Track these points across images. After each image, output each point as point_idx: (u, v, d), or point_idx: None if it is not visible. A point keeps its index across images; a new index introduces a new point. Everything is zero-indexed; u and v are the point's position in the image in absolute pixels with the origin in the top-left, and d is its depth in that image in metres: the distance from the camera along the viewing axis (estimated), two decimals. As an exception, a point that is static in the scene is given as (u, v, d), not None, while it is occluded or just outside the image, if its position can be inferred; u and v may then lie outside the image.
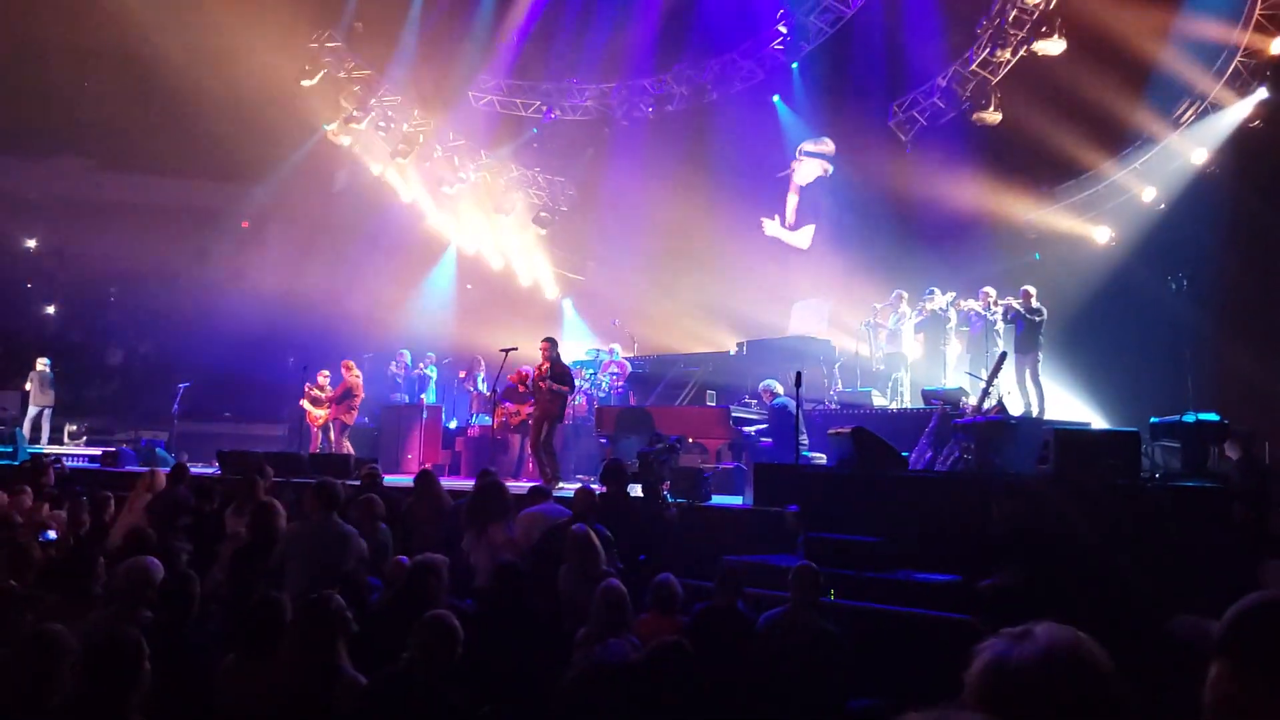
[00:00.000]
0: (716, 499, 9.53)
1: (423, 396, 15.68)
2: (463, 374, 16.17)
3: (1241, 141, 13.14)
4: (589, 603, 5.20)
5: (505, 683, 4.32)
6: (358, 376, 14.10)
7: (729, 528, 8.43)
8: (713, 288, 17.53)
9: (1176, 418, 9.92)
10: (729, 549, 7.73)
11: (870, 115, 16.62)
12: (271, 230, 20.80)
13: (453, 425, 15.51)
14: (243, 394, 18.23)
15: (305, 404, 14.14)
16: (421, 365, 16.25)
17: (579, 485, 7.50)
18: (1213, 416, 9.86)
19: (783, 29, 16.74)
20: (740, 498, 9.52)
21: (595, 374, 14.73)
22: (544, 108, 18.49)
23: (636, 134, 18.46)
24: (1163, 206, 13.98)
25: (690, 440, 11.45)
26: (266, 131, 17.94)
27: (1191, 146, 13.62)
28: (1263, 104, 12.97)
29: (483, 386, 15.49)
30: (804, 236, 17.29)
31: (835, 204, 16.91)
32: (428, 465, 12.03)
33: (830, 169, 17.05)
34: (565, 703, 4.27)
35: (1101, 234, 14.66)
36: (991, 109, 15.04)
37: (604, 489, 7.60)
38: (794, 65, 17.15)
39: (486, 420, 14.22)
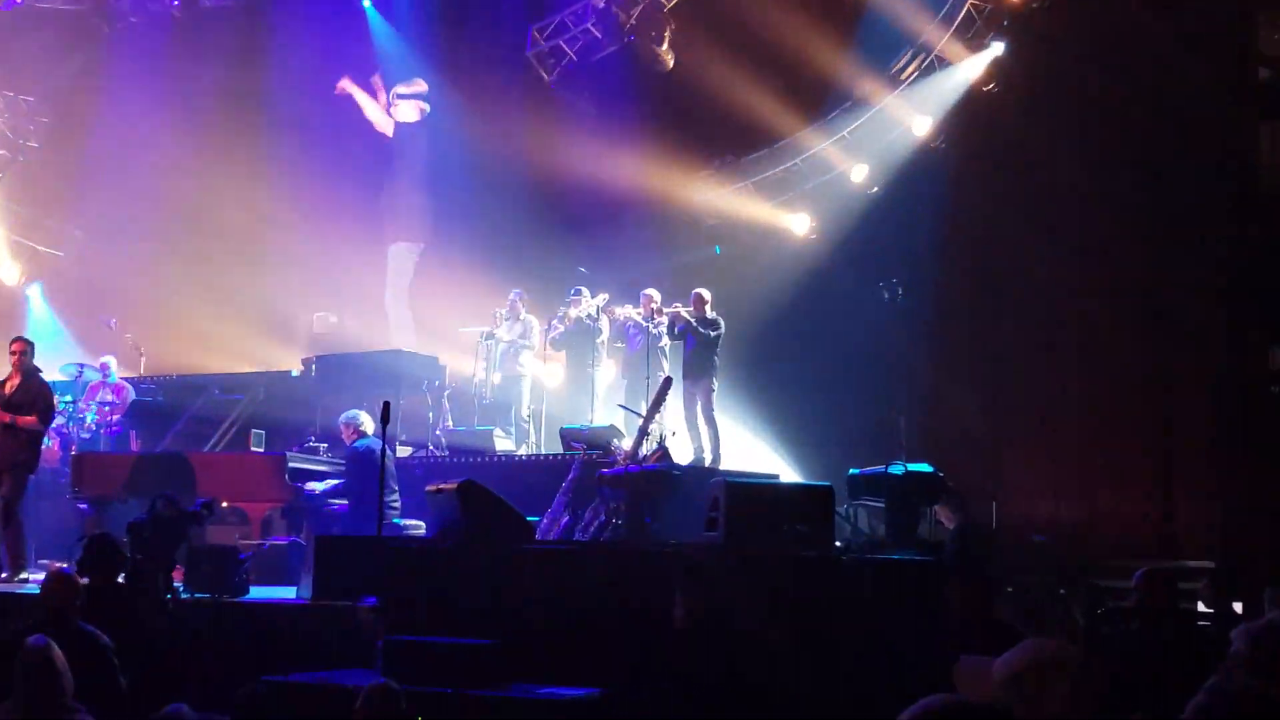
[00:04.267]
0: (259, 591, 9.37)
1: None
2: None
3: (971, 110, 14.61)
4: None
5: None
6: None
7: (276, 633, 8.34)
8: (269, 274, 17.09)
9: (881, 468, 10.86)
10: (273, 665, 7.55)
11: (502, 42, 16.99)
12: None
13: None
14: None
15: None
16: None
17: (53, 570, 7.03)
18: (924, 468, 10.92)
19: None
20: (295, 588, 9.35)
21: (77, 402, 13.83)
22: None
23: (152, 40, 17.68)
24: (875, 190, 15.27)
25: (224, 504, 11.10)
26: None
27: (912, 113, 14.92)
28: (997, 62, 14.44)
29: None
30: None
31: (446, 165, 17.07)
32: None
33: (428, 108, 17.22)
34: None
35: (799, 223, 15.80)
36: (664, 47, 15.80)
37: (87, 580, 7.20)
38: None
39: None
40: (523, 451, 13.27)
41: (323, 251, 16.75)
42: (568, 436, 11.97)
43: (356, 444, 11.28)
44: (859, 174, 15.36)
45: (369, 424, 11.32)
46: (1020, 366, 14.23)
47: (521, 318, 13.95)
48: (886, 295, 13.35)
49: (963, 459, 12.92)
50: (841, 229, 15.26)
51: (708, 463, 12.26)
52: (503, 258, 15.52)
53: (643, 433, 10.63)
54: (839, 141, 15.40)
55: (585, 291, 13.70)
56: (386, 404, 9.24)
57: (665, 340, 13.10)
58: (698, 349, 12.63)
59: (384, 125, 17.40)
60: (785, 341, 14.61)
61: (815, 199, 15.75)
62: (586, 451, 11.02)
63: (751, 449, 13.94)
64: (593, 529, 9.94)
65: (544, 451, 13.16)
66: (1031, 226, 14.09)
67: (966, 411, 13.96)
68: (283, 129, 17.11)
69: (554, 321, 13.76)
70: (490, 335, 14.01)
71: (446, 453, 13.00)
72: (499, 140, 16.59)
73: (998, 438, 13.99)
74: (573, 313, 13.62)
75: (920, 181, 14.64)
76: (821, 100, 15.56)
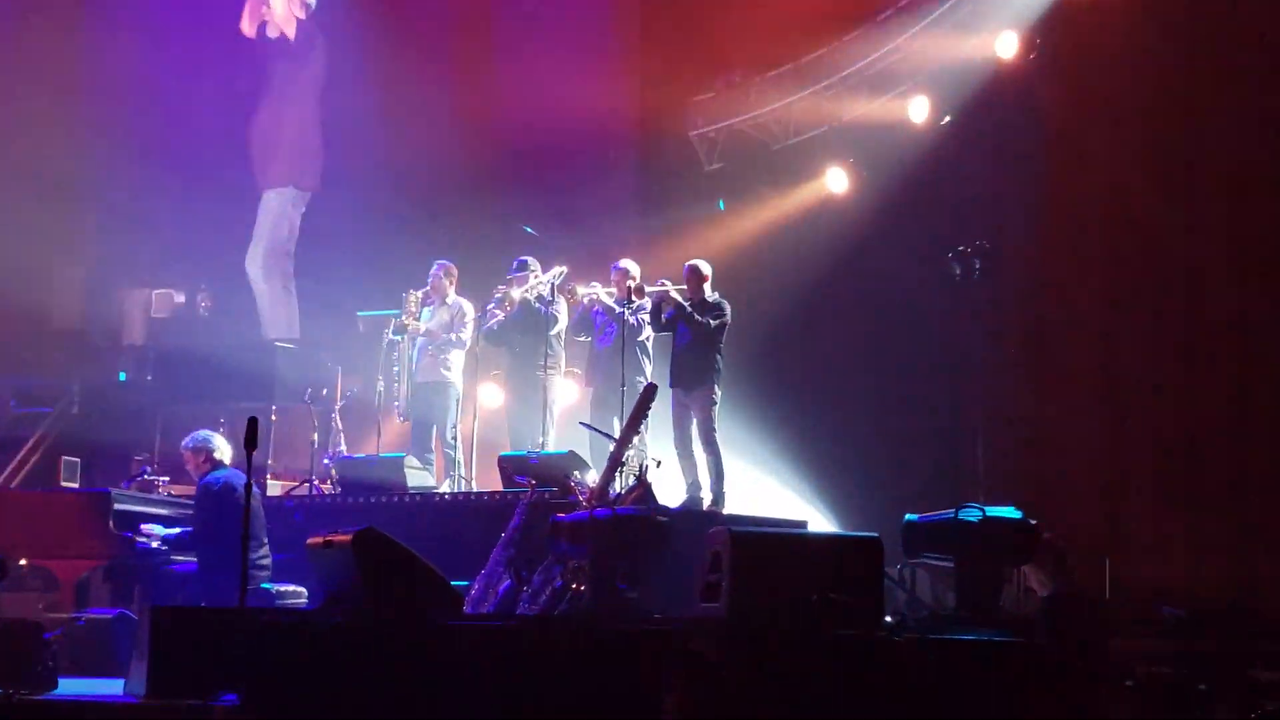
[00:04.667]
0: (70, 684, 9.31)
1: None
2: None
3: (1070, 17, 14.48)
4: None
5: None
6: None
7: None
8: (89, 235, 17.09)
9: (950, 513, 10.80)
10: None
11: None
12: None
13: None
14: None
15: None
16: None
17: None
18: (1010, 513, 10.85)
19: None
20: (124, 681, 9.27)
21: None
22: None
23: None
24: (944, 125, 15.17)
25: (23, 563, 11.15)
26: None
27: (990, 25, 14.81)
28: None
29: None
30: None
31: (342, 84, 17.04)
32: None
33: (313, 2, 17.18)
34: None
35: (835, 175, 15.74)
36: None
37: None
38: None
39: None
40: (446, 488, 13.24)
41: (167, 204, 16.64)
42: (510, 468, 11.94)
43: (209, 477, 11.21)
44: (918, 109, 15.29)
45: (226, 449, 11.31)
46: (1146, 376, 14.12)
47: (448, 300, 13.86)
48: (957, 272, 13.31)
49: (1064, 502, 12.91)
50: (894, 182, 15.23)
51: (706, 505, 12.29)
52: (421, 215, 15.43)
53: (615, 462, 10.55)
54: (890, 58, 15.32)
55: (534, 263, 13.68)
56: (253, 420, 9.10)
57: (648, 332, 13.13)
58: (693, 345, 12.62)
59: (284, 18, 17.26)
60: (816, 336, 14.59)
61: (859, 137, 15.68)
62: (536, 489, 10.96)
63: (768, 486, 13.93)
64: (544, 598, 9.86)
65: (476, 489, 13.13)
66: (1163, 177, 14.01)
67: (1069, 437, 13.90)
68: (111, 30, 17.01)
69: (490, 306, 13.72)
70: (403, 329, 13.91)
71: (338, 489, 12.93)
72: (415, 52, 16.56)
73: (1113, 473, 13.91)
74: (516, 293, 13.59)
75: (999, 120, 14.61)
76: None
